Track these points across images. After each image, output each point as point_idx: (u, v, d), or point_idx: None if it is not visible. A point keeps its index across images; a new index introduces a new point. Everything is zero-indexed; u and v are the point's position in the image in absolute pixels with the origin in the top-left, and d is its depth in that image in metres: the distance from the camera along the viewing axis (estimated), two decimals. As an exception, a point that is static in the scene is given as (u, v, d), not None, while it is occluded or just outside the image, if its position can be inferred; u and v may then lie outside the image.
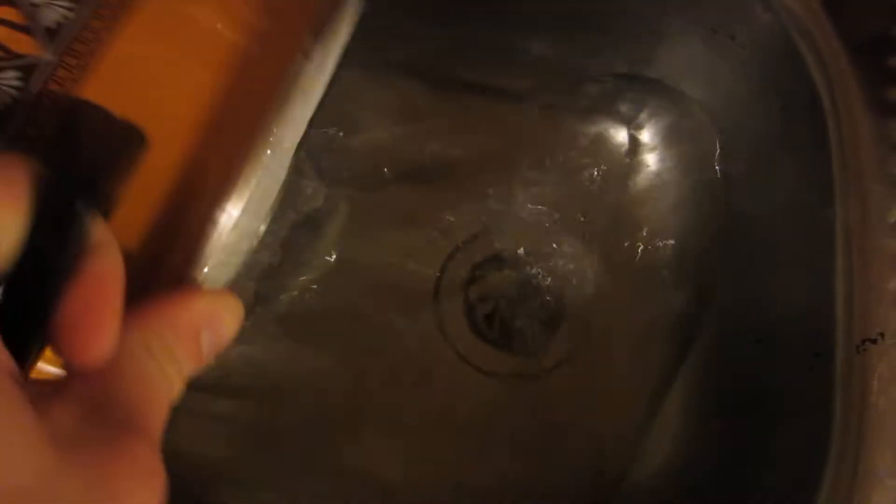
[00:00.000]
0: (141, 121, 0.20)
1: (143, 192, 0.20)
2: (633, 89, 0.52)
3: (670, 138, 0.52)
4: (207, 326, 0.20)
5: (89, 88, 0.21)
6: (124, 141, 0.20)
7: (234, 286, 0.22)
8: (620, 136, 0.53)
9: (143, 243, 0.20)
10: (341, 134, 0.49)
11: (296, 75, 0.22)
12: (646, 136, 0.53)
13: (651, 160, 0.53)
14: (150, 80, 0.21)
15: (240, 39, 0.22)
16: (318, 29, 0.22)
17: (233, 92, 0.21)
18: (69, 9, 0.22)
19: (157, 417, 0.18)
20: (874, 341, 0.36)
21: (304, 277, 0.48)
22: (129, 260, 0.18)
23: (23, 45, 0.21)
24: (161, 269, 0.21)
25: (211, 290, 0.21)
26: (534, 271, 0.50)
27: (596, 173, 0.52)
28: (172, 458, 0.17)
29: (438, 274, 0.50)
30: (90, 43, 0.21)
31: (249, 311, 0.45)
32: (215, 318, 0.20)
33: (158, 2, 0.22)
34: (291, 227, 0.47)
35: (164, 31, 0.22)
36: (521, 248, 0.51)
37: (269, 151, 0.21)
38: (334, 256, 0.48)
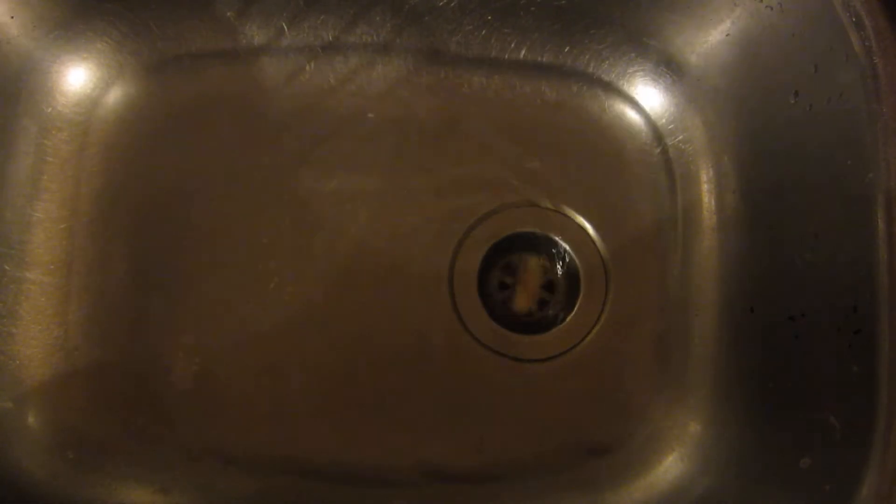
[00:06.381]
0: None
1: None
2: (646, 57, 0.49)
3: (685, 104, 0.49)
4: None
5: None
6: None
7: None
8: (634, 105, 0.50)
9: None
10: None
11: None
12: (656, 104, 0.50)
13: (665, 130, 0.50)
14: None
15: None
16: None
17: None
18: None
19: None
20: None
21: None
22: None
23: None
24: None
25: None
26: (547, 249, 0.48)
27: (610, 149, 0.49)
28: None
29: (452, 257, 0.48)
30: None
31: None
32: None
33: None
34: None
35: None
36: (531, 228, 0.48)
37: None
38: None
